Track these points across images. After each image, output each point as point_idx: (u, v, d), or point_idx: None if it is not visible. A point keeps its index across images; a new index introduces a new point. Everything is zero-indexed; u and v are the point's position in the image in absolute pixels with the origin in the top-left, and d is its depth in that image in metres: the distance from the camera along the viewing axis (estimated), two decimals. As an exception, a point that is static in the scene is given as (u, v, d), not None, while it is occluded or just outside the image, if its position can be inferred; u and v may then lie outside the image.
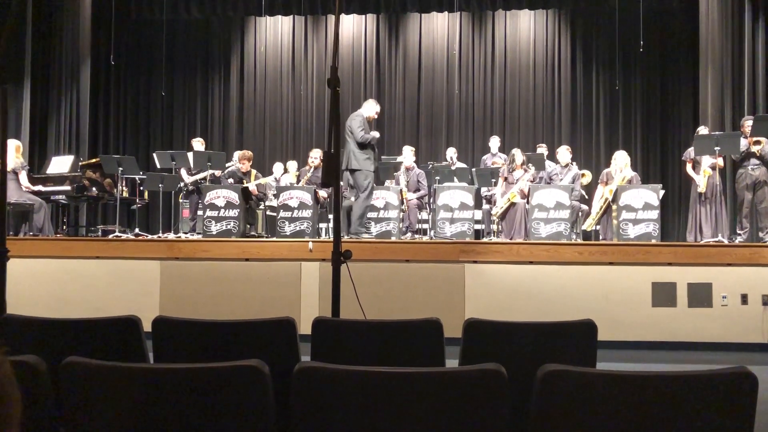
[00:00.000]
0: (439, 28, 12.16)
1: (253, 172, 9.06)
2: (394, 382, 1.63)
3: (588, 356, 2.39)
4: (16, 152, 7.83)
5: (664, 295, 5.80)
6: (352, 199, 8.53)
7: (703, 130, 8.02)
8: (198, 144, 9.53)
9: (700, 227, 7.69)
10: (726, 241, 7.03)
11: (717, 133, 7.78)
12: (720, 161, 7.55)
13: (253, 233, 8.44)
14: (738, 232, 7.68)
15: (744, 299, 5.74)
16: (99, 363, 1.69)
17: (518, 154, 8.43)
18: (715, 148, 7.10)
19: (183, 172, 9.02)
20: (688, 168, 7.95)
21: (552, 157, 9.37)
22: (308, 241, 6.25)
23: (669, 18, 11.47)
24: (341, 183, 7.15)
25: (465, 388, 1.62)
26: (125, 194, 8.83)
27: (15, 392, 0.93)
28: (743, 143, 7.35)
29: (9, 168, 6.76)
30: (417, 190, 8.85)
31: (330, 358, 1.92)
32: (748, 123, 7.45)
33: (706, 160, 7.58)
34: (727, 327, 5.74)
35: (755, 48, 9.51)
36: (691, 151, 7.90)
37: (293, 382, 1.63)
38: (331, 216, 8.71)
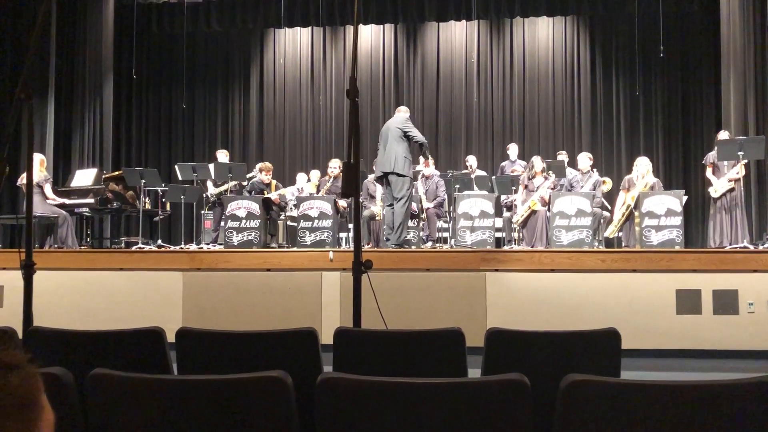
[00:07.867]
0: (457, 37, 12.17)
1: (274, 182, 9.13)
2: (416, 393, 1.63)
3: (612, 365, 2.38)
4: (40, 166, 7.99)
5: (688, 302, 5.72)
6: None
7: (723, 134, 7.90)
8: (222, 155, 9.57)
9: (723, 232, 7.57)
10: (751, 247, 6.93)
11: (740, 137, 7.66)
12: (742, 170, 7.40)
13: (274, 244, 8.47)
14: (765, 237, 7.57)
15: (771, 306, 5.64)
16: (124, 375, 1.71)
17: (538, 162, 8.39)
18: (739, 153, 7.00)
19: (209, 183, 9.09)
20: (708, 172, 7.84)
21: (572, 163, 9.32)
22: (329, 251, 6.27)
23: (689, 21, 11.37)
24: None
25: (488, 398, 1.62)
26: (148, 206, 8.93)
27: (44, 401, 0.95)
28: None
29: (34, 182, 6.86)
30: (435, 198, 8.82)
31: (352, 369, 1.92)
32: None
33: (730, 166, 7.43)
34: (754, 334, 5.64)
35: (778, 50, 9.41)
36: (710, 156, 7.79)
37: (316, 393, 1.64)
38: (351, 225, 8.73)
